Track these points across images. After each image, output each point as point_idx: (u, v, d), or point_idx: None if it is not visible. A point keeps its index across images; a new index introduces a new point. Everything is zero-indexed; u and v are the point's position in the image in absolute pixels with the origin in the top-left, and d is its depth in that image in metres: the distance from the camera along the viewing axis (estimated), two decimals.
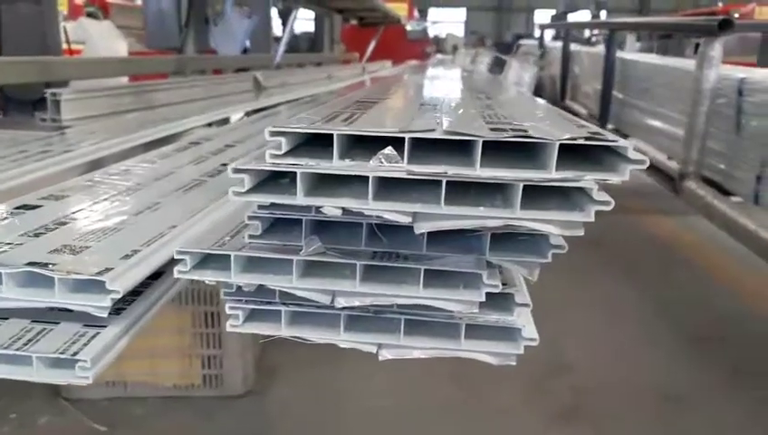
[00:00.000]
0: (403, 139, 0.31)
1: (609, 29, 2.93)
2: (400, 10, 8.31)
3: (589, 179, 0.30)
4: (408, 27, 6.74)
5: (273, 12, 5.45)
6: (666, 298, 2.35)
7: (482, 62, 2.22)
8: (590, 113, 3.46)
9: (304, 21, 6.29)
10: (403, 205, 0.33)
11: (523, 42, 6.09)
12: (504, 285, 0.37)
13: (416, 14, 10.21)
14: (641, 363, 1.84)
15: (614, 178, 0.30)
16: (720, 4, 16.38)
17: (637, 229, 3.20)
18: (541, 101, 0.48)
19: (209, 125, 1.35)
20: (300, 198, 0.36)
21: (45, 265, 0.39)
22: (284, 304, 0.39)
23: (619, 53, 2.97)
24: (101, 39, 4.52)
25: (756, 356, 1.87)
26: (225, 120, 1.40)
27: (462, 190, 0.32)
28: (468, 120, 0.35)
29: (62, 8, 8.46)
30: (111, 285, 0.37)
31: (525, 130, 0.30)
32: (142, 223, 0.49)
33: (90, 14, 9.47)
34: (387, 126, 0.32)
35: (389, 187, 0.34)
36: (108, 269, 0.38)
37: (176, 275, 0.40)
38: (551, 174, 0.30)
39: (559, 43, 4.27)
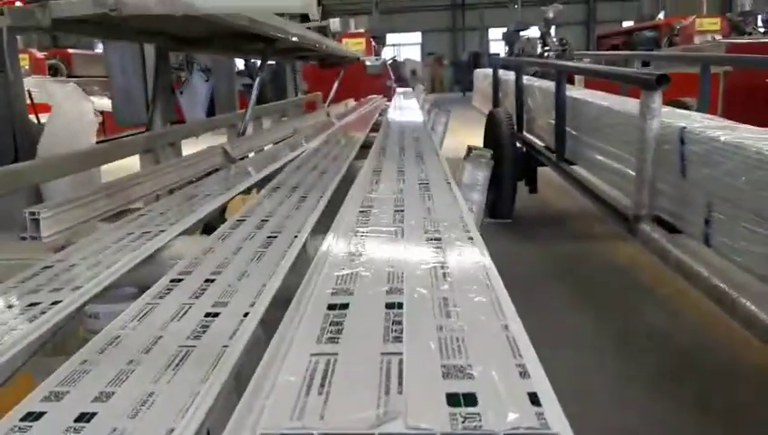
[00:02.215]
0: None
1: (557, 71, 3.07)
2: (358, 45, 8.50)
3: None
4: (368, 63, 6.89)
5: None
6: (629, 330, 2.45)
7: (440, 122, 2.31)
8: (547, 146, 3.60)
9: None
10: None
11: (477, 70, 6.26)
12: None
13: (373, 43, 10.40)
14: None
15: None
16: (662, 14, 17.08)
17: (602, 257, 3.33)
18: (499, 291, 0.55)
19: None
20: None
21: None
22: None
23: (569, 91, 3.11)
24: (67, 101, 4.52)
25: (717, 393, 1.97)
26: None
27: None
28: (426, 364, 0.41)
29: (24, 63, 8.37)
30: None
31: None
32: (140, 430, 0.53)
33: (51, 67, 9.38)
34: (358, 397, 0.38)
35: None
36: None
37: None
38: None
39: (512, 75, 4.43)
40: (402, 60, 15.69)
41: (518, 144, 4.00)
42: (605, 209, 2.49)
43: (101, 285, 0.96)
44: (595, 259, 3.29)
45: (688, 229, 1.96)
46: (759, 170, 1.56)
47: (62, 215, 1.34)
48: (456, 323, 0.47)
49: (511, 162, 3.78)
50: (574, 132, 3.07)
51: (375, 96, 6.39)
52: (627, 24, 24.31)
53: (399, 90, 6.99)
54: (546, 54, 16.06)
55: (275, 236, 1.14)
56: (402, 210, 0.91)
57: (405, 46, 25.10)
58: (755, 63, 2.57)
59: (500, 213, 3.96)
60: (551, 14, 16.37)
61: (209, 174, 2.16)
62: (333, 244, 0.78)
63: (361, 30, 9.20)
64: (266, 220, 1.27)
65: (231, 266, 0.98)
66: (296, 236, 1.13)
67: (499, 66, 5.09)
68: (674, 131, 1.99)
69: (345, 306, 0.53)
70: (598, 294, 2.83)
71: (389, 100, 6.22)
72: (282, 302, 0.88)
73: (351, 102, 5.92)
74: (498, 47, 24.17)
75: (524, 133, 4.12)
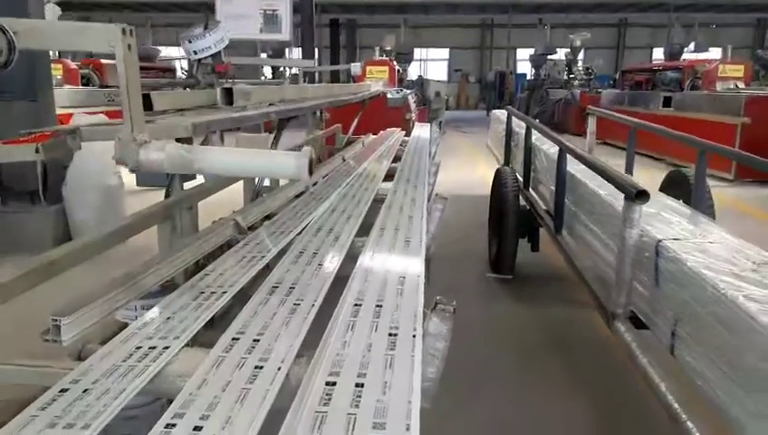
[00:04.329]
0: None
1: (560, 148, 3.20)
2: (381, 73, 8.70)
3: None
4: (389, 96, 7.08)
5: None
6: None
7: (436, 208, 2.47)
8: (548, 211, 3.73)
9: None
10: None
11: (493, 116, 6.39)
12: None
13: (397, 67, 10.58)
14: None
15: None
16: (693, 45, 16.91)
17: (599, 326, 3.41)
18: None
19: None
20: None
21: None
22: None
23: (570, 167, 3.23)
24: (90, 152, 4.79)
25: None
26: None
27: None
28: None
29: (57, 72, 8.73)
30: None
31: None
32: None
33: (84, 77, 9.78)
34: None
35: None
36: None
37: None
38: None
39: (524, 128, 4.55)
40: (427, 79, 15.84)
41: (523, 202, 4.14)
42: (589, 295, 2.62)
43: (110, 418, 1.14)
44: (591, 329, 3.38)
45: (658, 334, 2.08)
46: (715, 305, 1.68)
47: (81, 318, 1.52)
48: None
49: (513, 222, 3.92)
50: (572, 207, 3.20)
51: (394, 129, 6.58)
52: (657, 50, 24.31)
53: (418, 124, 7.17)
54: (571, 81, 16.17)
55: (262, 367, 1.31)
56: (362, 385, 1.08)
57: (432, 62, 25.27)
58: (757, 165, 2.64)
59: (501, 269, 4.10)
60: (578, 42, 16.51)
61: (221, 247, 2.35)
62: None
63: (385, 57, 9.38)
64: (257, 340, 1.44)
65: (219, 407, 1.15)
66: (279, 368, 1.30)
67: (513, 115, 5.23)
68: (651, 242, 2.12)
69: None
70: (590, 371, 2.94)
71: (408, 134, 6.40)
72: None
73: (370, 137, 6.08)
74: (525, 67, 24.31)
75: (530, 191, 4.25)
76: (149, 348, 1.42)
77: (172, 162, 1.23)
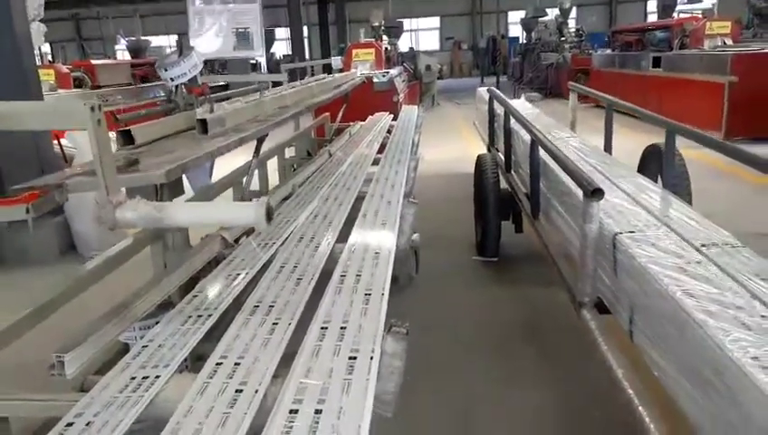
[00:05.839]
0: None
1: (532, 139, 3.31)
2: (368, 56, 8.71)
3: None
4: (375, 80, 7.14)
5: None
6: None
7: (409, 213, 2.60)
8: (527, 194, 3.85)
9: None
10: None
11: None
12: None
13: (386, 44, 10.55)
14: None
15: None
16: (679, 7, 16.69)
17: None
18: None
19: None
20: None
21: None
22: None
23: (543, 154, 3.34)
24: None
25: None
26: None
27: None
28: None
29: (49, 78, 8.82)
30: None
31: None
32: None
33: (76, 79, 9.84)
34: None
35: None
36: None
37: None
38: None
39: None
40: (417, 51, 15.73)
41: (505, 186, 4.26)
42: (561, 281, 2.76)
43: None
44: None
45: (619, 321, 2.23)
46: (659, 299, 1.82)
47: (81, 351, 1.69)
48: None
49: (493, 209, 4.06)
50: (547, 194, 3.33)
51: (381, 115, 6.68)
52: (651, 3, 23.93)
53: (405, 107, 7.24)
54: (562, 44, 16.02)
55: (242, 390, 1.48)
56: (321, 411, 1.24)
57: (423, 32, 25.02)
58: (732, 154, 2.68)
59: (486, 252, 4.26)
60: (567, 4, 16.30)
61: (210, 263, 2.50)
62: None
63: (372, 37, 9.37)
64: (238, 364, 1.60)
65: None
66: (257, 391, 1.46)
67: (493, 96, 5.30)
68: (608, 236, 2.25)
69: None
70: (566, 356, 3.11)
71: (396, 118, 6.50)
72: None
73: (358, 125, 6.18)
74: (517, 30, 24.03)
75: (512, 173, 4.36)
76: (143, 378, 1.59)
77: (144, 220, 1.37)
